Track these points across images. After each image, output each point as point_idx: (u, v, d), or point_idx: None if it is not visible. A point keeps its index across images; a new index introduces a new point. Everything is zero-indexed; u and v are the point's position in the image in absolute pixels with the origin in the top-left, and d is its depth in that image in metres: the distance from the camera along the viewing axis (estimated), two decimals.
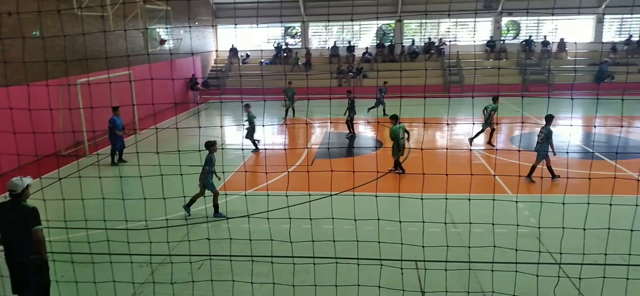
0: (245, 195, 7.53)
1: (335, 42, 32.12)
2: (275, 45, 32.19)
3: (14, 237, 5.77)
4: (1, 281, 6.61)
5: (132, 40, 21.34)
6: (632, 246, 6.33)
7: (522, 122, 15.02)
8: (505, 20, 31.58)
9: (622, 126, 17.60)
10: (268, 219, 7.17)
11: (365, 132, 19.09)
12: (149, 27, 20.31)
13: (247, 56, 32.23)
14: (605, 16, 30.49)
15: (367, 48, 31.58)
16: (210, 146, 10.12)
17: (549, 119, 11.58)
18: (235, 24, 31.81)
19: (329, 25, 33.15)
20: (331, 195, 9.77)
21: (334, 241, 6.83)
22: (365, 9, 29.82)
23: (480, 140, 16.16)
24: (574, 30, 31.46)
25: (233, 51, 32.32)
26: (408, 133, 12.95)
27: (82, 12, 16.70)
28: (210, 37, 32.28)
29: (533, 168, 11.74)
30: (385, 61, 30.75)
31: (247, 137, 15.46)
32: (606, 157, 13.73)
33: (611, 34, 31.51)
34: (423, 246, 6.64)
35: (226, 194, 8.84)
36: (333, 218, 6.75)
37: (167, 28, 22.65)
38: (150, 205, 7.61)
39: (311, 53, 31.41)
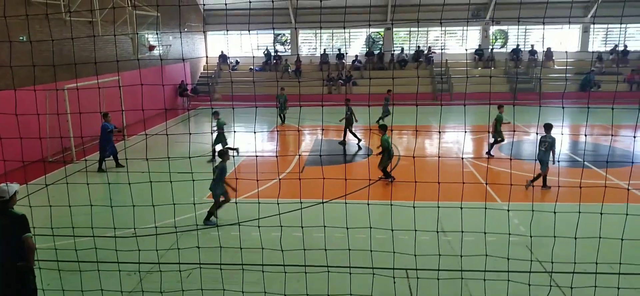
0: (236, 202, 7.46)
1: (325, 49, 32.20)
2: (265, 52, 32.17)
3: (3, 244, 5.64)
4: None
5: (120, 46, 21.17)
6: (623, 255, 6.36)
7: (514, 131, 15.08)
8: (493, 29, 31.90)
9: (612, 135, 17.79)
10: (259, 227, 7.10)
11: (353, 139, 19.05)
12: (138, 32, 20.16)
13: (237, 62, 32.15)
14: (591, 26, 30.93)
15: (356, 56, 31.69)
16: (224, 154, 10.02)
17: (550, 127, 11.66)
18: (227, 30, 31.69)
19: (318, 33, 33.21)
20: (323, 203, 9.72)
21: (325, 249, 6.78)
22: (355, 17, 29.95)
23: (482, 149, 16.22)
24: (561, 40, 31.87)
25: (222, 58, 32.22)
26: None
27: (71, 17, 16.54)
28: (200, 43, 32.15)
29: (544, 177, 11.77)
30: (375, 68, 30.86)
31: (214, 144, 15.15)
32: (594, 166, 13.86)
33: (597, 43, 31.97)
34: (415, 255, 6.62)
35: (218, 202, 8.73)
36: (325, 227, 6.71)
37: (157, 34, 22.53)
38: (139, 212, 7.51)
39: (301, 60, 31.42)
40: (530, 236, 6.27)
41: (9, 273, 5.70)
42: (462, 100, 25.48)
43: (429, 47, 31.65)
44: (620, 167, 13.71)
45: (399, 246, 7.05)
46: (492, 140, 15.21)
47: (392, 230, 6.76)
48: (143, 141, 17.42)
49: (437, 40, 33.01)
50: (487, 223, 8.12)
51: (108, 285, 6.75)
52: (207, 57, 33.08)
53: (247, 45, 33.69)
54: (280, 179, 9.71)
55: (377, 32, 32.63)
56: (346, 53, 31.91)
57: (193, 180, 6.67)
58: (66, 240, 8.22)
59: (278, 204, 7.68)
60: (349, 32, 32.80)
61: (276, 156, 14.42)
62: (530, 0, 28.14)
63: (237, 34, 33.07)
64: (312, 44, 33.77)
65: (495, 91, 28.11)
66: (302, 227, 6.88)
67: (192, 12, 30.17)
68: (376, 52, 31.80)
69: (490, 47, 31.51)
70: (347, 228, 6.62)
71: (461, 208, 6.49)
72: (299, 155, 15.93)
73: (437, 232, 7.43)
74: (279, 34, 33.20)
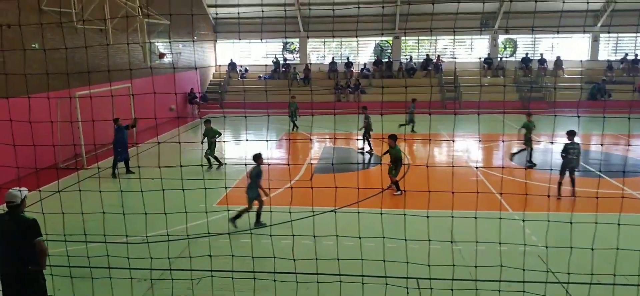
0: (248, 211, 7.42)
1: (333, 57, 32.26)
2: (274, 60, 32.28)
3: (12, 248, 5.66)
4: None
5: (131, 54, 21.31)
6: None
7: (533, 140, 14.91)
8: (502, 37, 31.82)
9: (629, 145, 17.61)
10: (271, 236, 7.05)
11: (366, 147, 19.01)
12: (148, 41, 20.29)
13: (246, 70, 32.27)
14: (601, 35, 30.79)
15: (365, 64, 31.70)
16: (258, 158, 10.06)
17: (574, 134, 11.59)
18: (239, 38, 31.84)
19: (327, 41, 33.31)
20: (335, 211, 9.70)
21: (338, 259, 6.73)
22: (364, 25, 30.02)
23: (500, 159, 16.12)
24: (570, 49, 31.74)
25: (232, 66, 32.36)
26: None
27: (84, 25, 16.68)
28: (209, 51, 32.32)
29: (573, 182, 11.69)
30: (383, 77, 30.86)
31: (210, 153, 15.12)
32: (606, 175, 13.72)
33: (607, 52, 31.79)
34: (429, 265, 6.54)
35: (228, 210, 8.71)
36: (337, 236, 6.66)
37: (168, 42, 22.67)
38: (149, 219, 7.49)
39: (310, 68, 31.49)
40: (546, 247, 6.18)
41: (21, 277, 5.71)
42: (471, 108, 25.43)
43: (438, 55, 31.61)
44: (634, 176, 13.57)
45: (408, 256, 6.99)
46: (527, 148, 15.02)
47: (406, 240, 6.68)
48: (152, 148, 17.47)
49: (445, 48, 32.99)
50: (497, 232, 8.04)
51: (118, 291, 6.72)
52: (216, 65, 33.24)
53: (256, 54, 33.86)
54: (292, 187, 9.67)
55: (386, 40, 32.65)
56: (352, 63, 31.90)
57: (205, 188, 6.65)
58: (75, 246, 8.22)
59: (290, 212, 7.64)
60: (358, 41, 32.87)
61: (288, 165, 14.38)
62: (540, 9, 28.06)
63: (246, 42, 33.24)
64: (320, 52, 33.85)
65: (504, 100, 27.98)
66: (314, 236, 6.83)
67: (202, 20, 30.35)
68: (384, 60, 31.81)
69: (500, 56, 31.43)
70: (360, 238, 6.57)
71: (475, 218, 6.42)
72: (310, 163, 15.89)
73: (451, 242, 7.35)
74: (288, 43, 33.32)
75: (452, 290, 6.51)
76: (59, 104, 14.56)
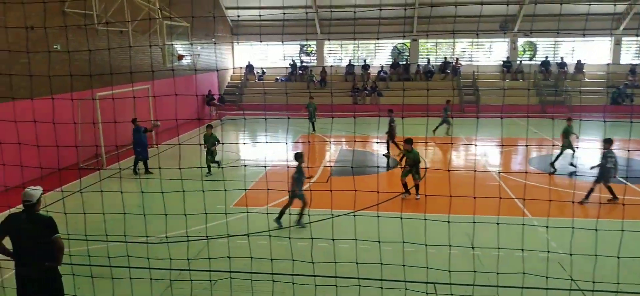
0: (267, 213, 7.41)
1: (350, 60, 32.21)
2: (291, 62, 32.35)
3: (30, 247, 5.73)
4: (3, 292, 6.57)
5: (150, 56, 21.54)
6: None
7: (555, 145, 14.66)
8: (521, 40, 31.45)
9: None
10: (289, 238, 7.03)
11: (381, 150, 18.92)
12: (172, 43, 20.48)
13: (263, 72, 32.39)
14: (623, 38, 30.23)
15: (382, 66, 31.59)
16: (300, 157, 10.14)
17: (611, 142, 11.47)
18: (260, 40, 31.94)
19: (344, 44, 33.29)
20: (354, 214, 9.64)
21: (356, 262, 6.68)
22: (382, 28, 29.88)
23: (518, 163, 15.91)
24: (591, 52, 31.22)
25: (249, 68, 32.51)
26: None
27: (104, 27, 16.91)
28: (227, 53, 32.52)
29: (611, 189, 11.52)
30: (401, 79, 30.71)
31: (211, 160, 14.72)
32: (630, 182, 13.42)
33: (629, 56, 31.20)
34: (449, 271, 6.45)
35: (248, 211, 8.71)
36: (356, 239, 6.61)
37: (188, 44, 22.86)
38: (166, 219, 7.53)
39: (326, 71, 31.48)
40: (570, 254, 6.05)
41: (40, 274, 5.78)
42: (490, 112, 25.16)
43: (456, 58, 31.33)
44: None
45: (423, 261, 6.91)
46: (570, 152, 14.76)
47: (426, 245, 6.60)
48: (169, 149, 17.61)
49: (464, 51, 32.70)
50: (515, 238, 7.92)
51: (133, 291, 6.73)
52: (234, 68, 33.44)
53: (273, 56, 33.97)
54: (311, 189, 9.65)
55: (403, 43, 32.50)
56: (369, 65, 31.80)
57: (225, 189, 6.65)
58: (92, 245, 8.30)
59: (309, 215, 7.60)
60: (375, 43, 32.78)
61: (307, 167, 14.32)
62: (560, 13, 27.64)
63: (263, 44, 33.36)
64: (337, 54, 33.83)
65: (524, 104, 27.63)
66: (333, 239, 6.79)
67: (220, 22, 30.56)
68: (402, 63, 31.65)
69: (519, 59, 31.05)
70: (379, 242, 6.51)
71: (498, 223, 6.32)
72: (328, 166, 15.85)
73: (472, 247, 7.24)
74: (305, 45, 33.38)
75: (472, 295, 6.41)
76: (80, 105, 14.77)
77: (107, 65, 17.93)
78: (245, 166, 11.72)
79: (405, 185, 12.06)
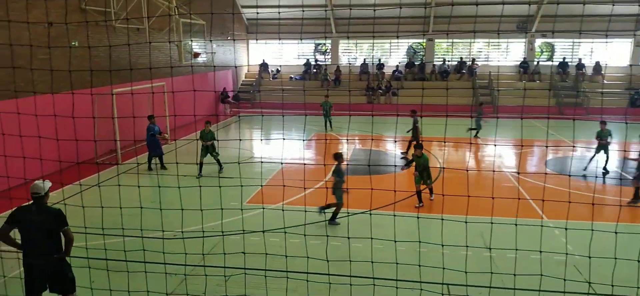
0: (283, 209, 7.41)
1: (364, 59, 32.13)
2: (306, 62, 32.38)
3: (40, 238, 5.84)
4: (4, 282, 6.65)
5: (166, 53, 21.71)
6: None
7: (578, 147, 14.47)
8: (539, 41, 31.09)
9: None
10: (304, 235, 7.02)
11: (393, 150, 18.85)
12: (191, 40, 20.61)
13: (278, 70, 32.45)
14: None
15: (397, 66, 31.45)
16: (339, 157, 10.17)
17: None
18: (280, 39, 31.99)
19: (359, 43, 33.21)
20: (371, 213, 9.55)
21: (372, 262, 6.65)
22: (396, 28, 29.74)
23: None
24: (610, 53, 30.75)
25: (264, 66, 32.60)
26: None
27: (121, 25, 17.06)
28: (242, 51, 32.65)
29: (638, 191, 11.46)
30: (416, 79, 30.57)
31: (214, 157, 14.32)
32: None
33: None
34: (466, 272, 6.39)
35: (263, 208, 8.72)
36: (372, 238, 6.58)
37: (210, 41, 23.03)
38: (178, 215, 7.55)
39: (341, 70, 31.45)
40: (589, 257, 5.95)
41: (49, 264, 5.91)
42: (506, 113, 24.89)
43: (473, 59, 31.07)
44: None
45: (436, 261, 6.87)
46: (604, 156, 14.58)
47: (443, 245, 6.55)
48: (185, 145, 17.71)
49: (480, 52, 32.42)
50: (529, 240, 7.81)
51: (146, 285, 6.77)
52: (248, 65, 33.57)
53: (287, 54, 34.02)
54: (327, 187, 9.62)
55: (419, 42, 32.32)
56: (384, 64, 31.69)
57: (241, 185, 6.66)
58: (101, 239, 8.37)
59: (325, 212, 7.58)
60: (390, 42, 32.65)
61: (324, 165, 14.30)
62: (579, 13, 27.26)
63: (278, 42, 33.42)
64: (352, 53, 33.77)
65: (540, 105, 27.36)
66: (348, 238, 6.77)
67: (235, 20, 30.69)
68: (417, 63, 31.48)
69: (536, 60, 30.70)
70: (395, 241, 6.47)
71: (516, 224, 6.24)
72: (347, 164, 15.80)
73: (490, 248, 7.16)
74: (320, 44, 33.37)
75: None
76: (96, 101, 14.93)
77: (123, 62, 18.12)
78: (262, 162, 11.73)
79: (419, 194, 11.65)
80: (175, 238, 9.04)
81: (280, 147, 17.29)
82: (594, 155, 14.66)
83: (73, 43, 15.45)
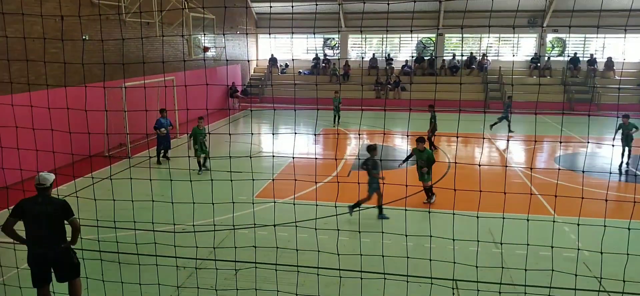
0: (294, 204, 7.42)
1: (374, 54, 32.02)
2: (314, 56, 32.33)
3: (47, 228, 5.95)
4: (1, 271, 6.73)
5: (176, 47, 21.77)
6: None
7: (590, 143, 14.33)
8: (550, 36, 30.80)
9: None
10: (316, 229, 7.02)
11: (401, 145, 18.80)
12: (193, 34, 20.65)
13: (286, 65, 32.44)
14: None
15: (406, 61, 31.32)
16: (372, 150, 10.10)
17: None
18: (292, 33, 31.95)
19: (368, 38, 33.08)
20: (381, 207, 9.58)
21: (383, 256, 6.65)
22: (406, 22, 29.61)
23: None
24: (622, 49, 30.37)
25: (272, 61, 32.60)
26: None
27: (131, 18, 17.14)
28: (251, 46, 32.67)
29: None
30: (425, 74, 30.45)
31: (204, 155, 14.15)
32: None
33: None
34: (477, 266, 6.36)
35: (274, 202, 8.73)
36: (383, 233, 6.57)
37: (221, 34, 23.09)
38: (186, 209, 7.59)
39: (350, 65, 31.38)
40: (601, 253, 5.90)
41: (57, 253, 6.06)
42: (517, 109, 24.70)
43: (483, 54, 30.85)
44: None
45: (447, 257, 6.84)
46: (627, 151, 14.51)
47: (454, 240, 6.52)
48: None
49: (490, 47, 32.20)
50: (539, 236, 7.77)
51: (149, 279, 6.80)
52: (257, 60, 33.59)
53: (296, 49, 33.98)
54: (338, 182, 9.61)
55: (428, 37, 32.15)
56: (392, 59, 31.58)
57: (253, 179, 6.68)
58: (110, 233, 8.41)
59: (335, 206, 7.59)
60: (399, 37, 32.51)
61: (335, 159, 14.32)
62: (590, 8, 26.96)
63: (287, 37, 33.39)
64: (361, 48, 33.67)
65: (550, 101, 27.15)
66: (359, 232, 6.76)
67: (244, 15, 30.69)
68: (426, 58, 31.33)
69: (547, 55, 30.43)
70: (406, 236, 6.46)
71: (528, 220, 6.21)
72: (358, 159, 15.79)
73: (501, 244, 7.11)
74: (329, 38, 33.30)
75: (499, 293, 6.31)
76: (106, 95, 15.00)
77: (133, 56, 18.20)
78: (273, 156, 11.75)
79: (426, 190, 11.44)
80: (184, 231, 9.09)
81: (287, 141, 17.30)
82: (624, 150, 14.43)
83: (84, 37, 15.54)
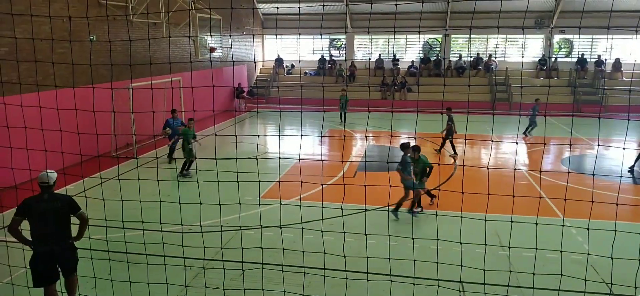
0: (300, 205, 7.41)
1: (379, 54, 31.98)
2: (320, 57, 32.32)
3: (54, 225, 6.01)
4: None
5: (182, 48, 21.83)
6: None
7: (596, 145, 14.23)
8: (557, 37, 30.64)
9: None
10: (322, 231, 7.01)
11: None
12: (199, 35, 20.70)
13: (292, 66, 32.45)
14: None
15: (412, 62, 31.26)
16: (406, 148, 10.03)
17: None
18: (299, 34, 31.95)
19: (374, 38, 33.04)
20: (389, 210, 9.54)
21: (389, 258, 6.63)
22: (413, 23, 29.55)
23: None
24: (631, 50, 30.16)
25: (278, 61, 32.61)
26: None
27: (138, 19, 17.20)
28: (257, 47, 32.72)
29: None
30: (431, 75, 30.36)
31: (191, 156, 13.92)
32: None
33: None
34: (484, 270, 6.33)
35: (281, 203, 8.73)
36: (389, 235, 6.56)
37: (229, 34, 23.14)
38: (191, 209, 7.59)
39: (356, 65, 31.35)
40: (611, 258, 5.85)
41: (63, 249, 6.13)
42: (524, 110, 24.57)
43: (490, 55, 30.73)
44: None
45: (452, 259, 6.80)
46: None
47: (461, 242, 6.50)
48: (200, 139, 17.78)
49: (497, 48, 32.07)
50: (545, 238, 7.70)
51: (157, 278, 6.82)
52: (263, 61, 33.62)
53: (302, 50, 33.99)
54: (345, 183, 9.58)
55: (435, 38, 32.07)
56: (399, 60, 31.52)
57: (259, 181, 6.67)
58: (119, 232, 8.43)
59: (342, 208, 7.57)
60: (405, 38, 32.44)
61: (342, 161, 14.29)
62: (598, 9, 26.78)
63: (293, 38, 33.40)
64: (367, 49, 33.62)
65: (558, 102, 27.01)
66: (366, 234, 6.75)
67: (251, 16, 30.74)
68: (433, 59, 31.23)
69: (554, 56, 30.26)
70: (413, 238, 6.44)
71: (536, 223, 6.17)
72: (363, 160, 15.76)
73: (509, 247, 7.09)
74: (335, 39, 33.30)
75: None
76: (113, 95, 15.05)
77: (139, 56, 18.26)
78: (279, 158, 11.75)
79: (427, 192, 11.17)
80: (191, 231, 9.11)
81: (293, 142, 17.30)
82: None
83: (91, 38, 15.61)
